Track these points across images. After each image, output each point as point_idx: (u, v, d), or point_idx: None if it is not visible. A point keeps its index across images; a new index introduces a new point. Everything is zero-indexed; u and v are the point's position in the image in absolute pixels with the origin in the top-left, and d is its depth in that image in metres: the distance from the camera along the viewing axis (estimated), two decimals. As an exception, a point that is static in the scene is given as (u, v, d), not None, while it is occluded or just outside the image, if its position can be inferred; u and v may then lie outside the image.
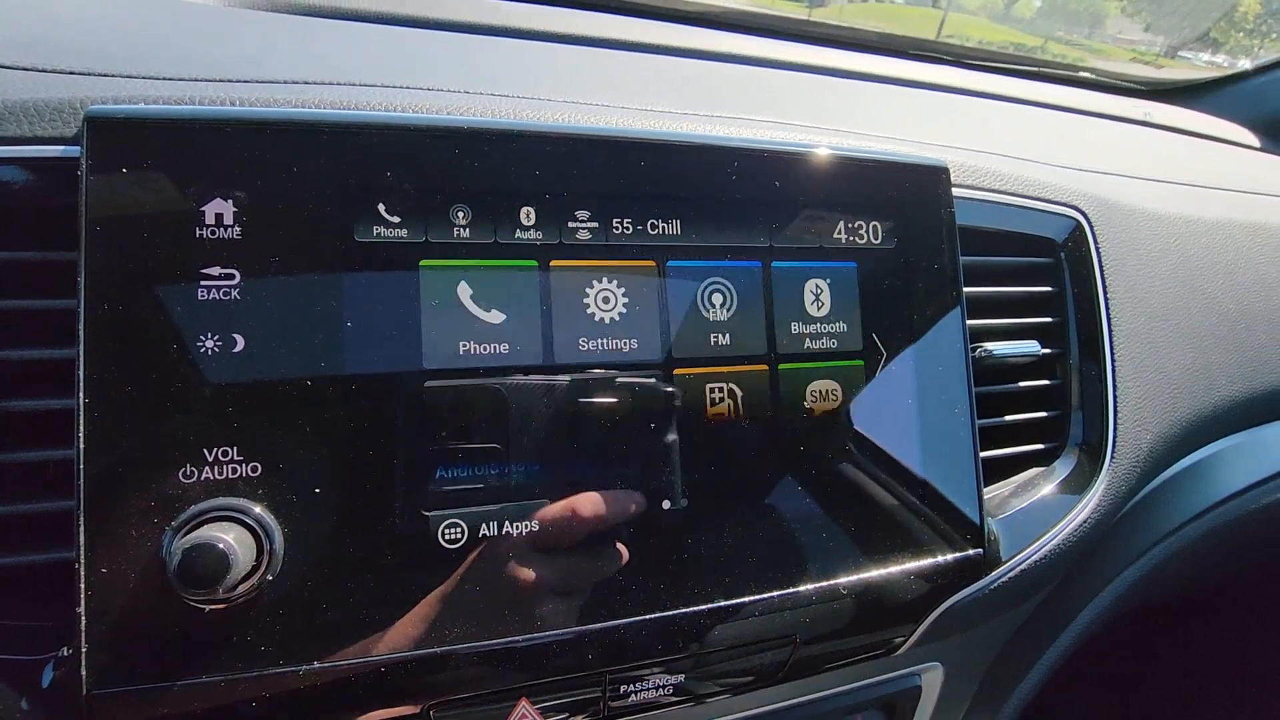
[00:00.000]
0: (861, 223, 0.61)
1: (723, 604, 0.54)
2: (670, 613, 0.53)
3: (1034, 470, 0.71)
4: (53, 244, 0.46)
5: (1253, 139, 1.44)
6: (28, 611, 0.45)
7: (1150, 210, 0.85)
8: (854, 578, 0.58)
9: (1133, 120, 1.33)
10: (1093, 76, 1.46)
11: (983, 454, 0.64)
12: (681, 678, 0.55)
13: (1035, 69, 1.41)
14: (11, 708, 0.42)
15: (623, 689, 0.53)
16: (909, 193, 0.63)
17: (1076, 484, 0.70)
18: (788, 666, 0.58)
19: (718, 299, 0.56)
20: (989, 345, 0.68)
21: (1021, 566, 0.65)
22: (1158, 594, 1.02)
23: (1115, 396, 0.72)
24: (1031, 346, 0.70)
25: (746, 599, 0.55)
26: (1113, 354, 0.73)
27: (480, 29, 0.90)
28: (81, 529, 0.42)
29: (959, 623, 0.65)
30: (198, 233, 0.45)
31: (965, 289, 0.64)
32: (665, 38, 0.99)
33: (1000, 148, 0.80)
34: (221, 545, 0.41)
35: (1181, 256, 0.86)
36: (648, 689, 0.54)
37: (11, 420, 0.45)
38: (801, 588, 0.56)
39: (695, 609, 0.54)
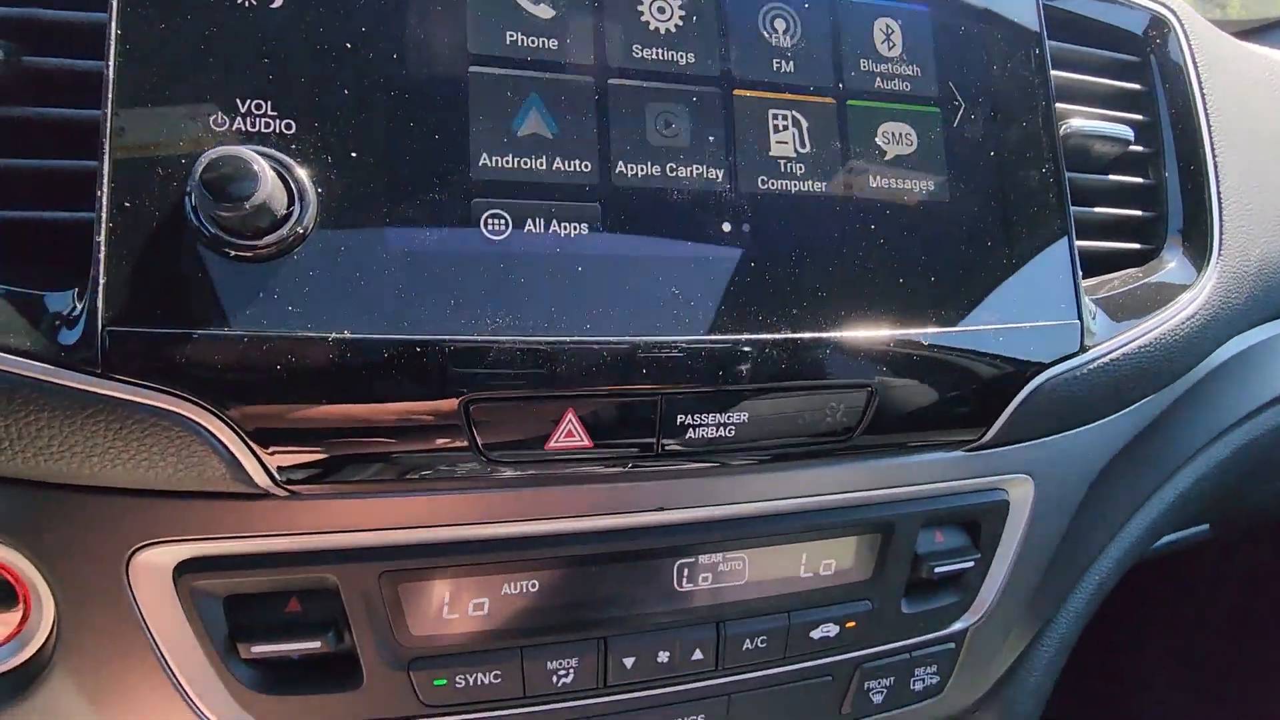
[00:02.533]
0: (933, -34, 0.57)
1: (791, 336, 0.49)
2: (733, 337, 0.48)
3: (1131, 270, 0.65)
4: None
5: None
6: (54, 268, 0.42)
7: (1243, 47, 0.80)
8: (937, 331, 0.52)
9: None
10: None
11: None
12: (745, 417, 0.49)
13: None
14: (38, 343, 0.39)
15: (679, 420, 0.48)
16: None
17: (1183, 275, 0.63)
18: (861, 424, 0.52)
19: (780, 24, 0.53)
20: (1077, 122, 0.62)
21: (1124, 349, 0.58)
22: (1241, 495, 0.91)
23: (1219, 194, 0.65)
24: (1124, 131, 0.64)
25: (817, 334, 0.49)
26: (1214, 152, 0.67)
27: None
28: (106, 159, 0.39)
29: (1053, 413, 0.58)
30: (241, -110, 0.43)
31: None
32: None
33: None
34: (248, 157, 0.38)
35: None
36: (706, 425, 0.49)
37: (53, 79, 0.44)
38: (878, 333, 0.51)
39: (761, 336, 0.48)
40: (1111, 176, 0.65)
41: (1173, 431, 0.72)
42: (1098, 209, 0.64)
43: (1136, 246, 0.65)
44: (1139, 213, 0.66)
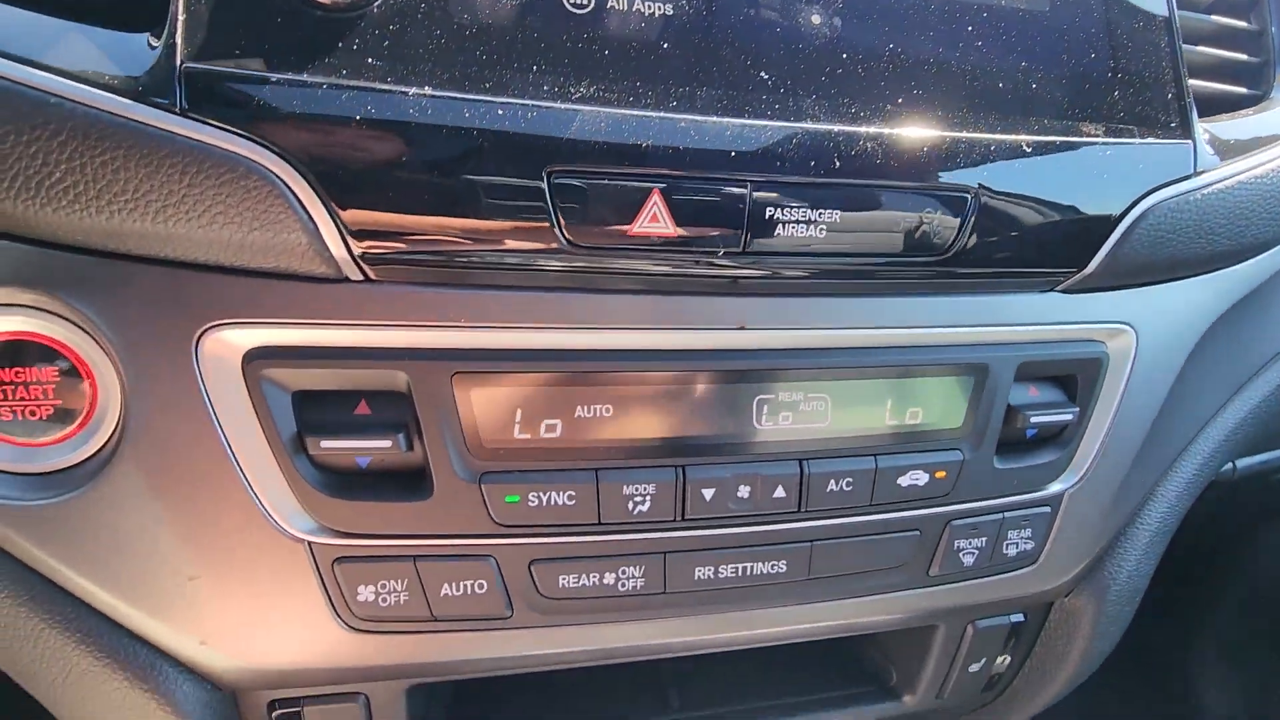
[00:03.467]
0: None
1: (887, 130, 0.46)
2: (828, 126, 0.45)
3: (1241, 110, 0.61)
4: None
5: None
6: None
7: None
8: (1041, 140, 0.49)
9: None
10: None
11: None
12: (838, 217, 0.46)
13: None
14: (115, 78, 0.37)
15: (768, 213, 0.45)
16: None
17: (1299, 114, 0.59)
18: (959, 238, 0.48)
19: None
20: (1178, -48, 0.59)
21: (1238, 177, 0.54)
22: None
23: (1332, 35, 0.61)
24: (1227, -32, 0.60)
25: (914, 130, 0.46)
26: (1324, -6, 0.62)
27: None
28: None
29: (1160, 248, 0.54)
30: None
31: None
32: None
33: None
34: None
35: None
36: (796, 222, 0.46)
37: None
38: (980, 135, 0.48)
39: (856, 129, 0.46)
40: (1214, 17, 0.62)
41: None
42: (1200, 48, 0.60)
43: (1243, 90, 0.61)
44: (1243, 56, 0.62)
